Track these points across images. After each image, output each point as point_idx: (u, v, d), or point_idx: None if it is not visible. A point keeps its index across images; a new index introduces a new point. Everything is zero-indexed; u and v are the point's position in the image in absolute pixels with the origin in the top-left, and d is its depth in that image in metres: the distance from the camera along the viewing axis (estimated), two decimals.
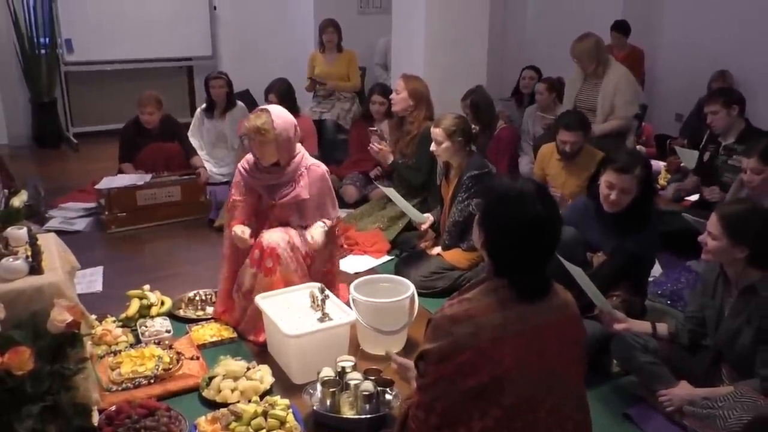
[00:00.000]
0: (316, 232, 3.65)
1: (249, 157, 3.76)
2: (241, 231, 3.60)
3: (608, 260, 3.52)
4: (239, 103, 6.79)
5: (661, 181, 6.26)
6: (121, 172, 5.84)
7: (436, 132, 4.25)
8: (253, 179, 3.73)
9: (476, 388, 1.97)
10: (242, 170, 3.74)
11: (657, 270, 4.32)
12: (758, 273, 2.80)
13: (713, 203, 4.57)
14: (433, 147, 4.32)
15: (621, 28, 7.38)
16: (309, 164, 3.76)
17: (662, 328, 3.19)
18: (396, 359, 2.57)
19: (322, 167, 3.82)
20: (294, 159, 3.72)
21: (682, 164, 5.74)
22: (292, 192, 3.71)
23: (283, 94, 5.90)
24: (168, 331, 3.62)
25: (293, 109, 5.90)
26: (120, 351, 3.35)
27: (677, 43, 7.78)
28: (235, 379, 3.12)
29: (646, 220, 3.52)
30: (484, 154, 5.26)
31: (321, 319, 3.30)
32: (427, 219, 4.51)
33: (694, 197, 5.25)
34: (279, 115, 3.62)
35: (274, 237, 3.62)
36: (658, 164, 6.53)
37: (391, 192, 4.52)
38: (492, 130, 5.45)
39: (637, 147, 6.04)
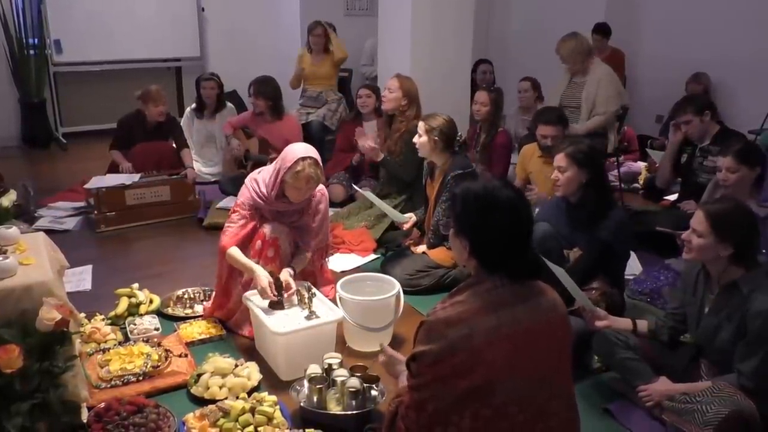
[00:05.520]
0: (297, 266, 3.71)
1: (259, 178, 3.71)
2: (236, 253, 3.59)
3: (584, 253, 3.59)
4: (228, 104, 6.84)
5: (642, 181, 6.33)
6: (112, 162, 5.89)
7: (420, 125, 4.35)
8: (266, 205, 3.69)
9: (468, 389, 1.98)
10: (255, 195, 3.68)
11: (637, 268, 4.37)
12: (740, 270, 2.82)
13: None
14: (415, 138, 4.40)
15: (602, 30, 7.43)
16: (316, 190, 3.78)
17: (642, 325, 3.22)
18: (387, 350, 2.58)
19: (324, 190, 3.88)
20: None
21: (657, 165, 5.82)
22: (300, 221, 3.78)
23: (270, 94, 5.95)
24: (156, 329, 3.64)
25: (279, 109, 5.98)
26: (109, 349, 3.36)
27: (657, 45, 7.87)
28: (223, 376, 3.14)
29: (608, 203, 3.66)
30: (485, 154, 5.40)
31: (308, 317, 3.33)
32: (408, 219, 4.57)
33: (673, 197, 5.31)
34: (318, 156, 3.63)
35: (277, 229, 3.66)
36: (639, 165, 6.61)
37: (369, 195, 4.57)
38: (494, 133, 5.53)
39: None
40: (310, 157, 3.56)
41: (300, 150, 3.60)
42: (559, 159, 3.67)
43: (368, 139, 5.34)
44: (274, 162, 3.70)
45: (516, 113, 6.92)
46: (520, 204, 2.09)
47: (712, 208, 2.88)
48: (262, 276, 3.44)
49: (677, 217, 4.67)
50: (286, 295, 3.45)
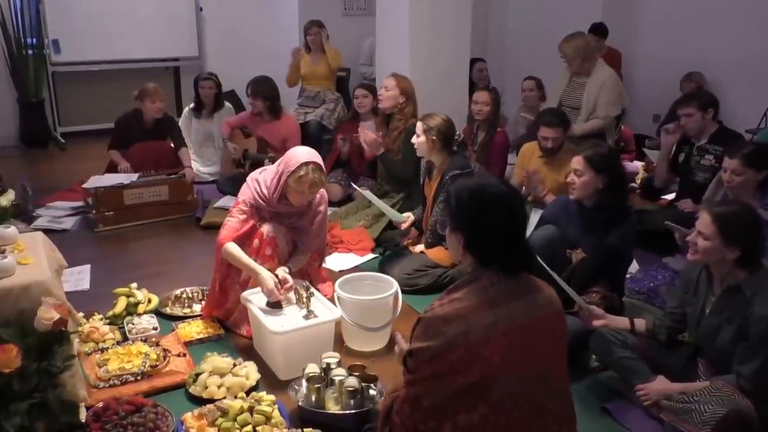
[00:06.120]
0: (294, 266, 3.71)
1: (261, 179, 3.72)
2: (236, 250, 3.59)
3: (589, 257, 3.57)
4: (227, 104, 6.85)
5: (639, 181, 6.34)
6: (110, 162, 5.90)
7: (418, 125, 4.38)
8: (268, 206, 3.70)
9: (465, 386, 2.00)
10: (256, 195, 3.69)
11: (634, 267, 4.37)
12: (743, 273, 2.81)
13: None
14: (413, 138, 4.41)
15: (599, 30, 7.43)
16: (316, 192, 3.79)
17: (640, 324, 3.22)
18: (401, 343, 2.57)
19: (324, 192, 3.88)
20: None
21: (654, 164, 5.83)
22: (299, 222, 3.79)
23: (267, 94, 5.96)
24: (155, 329, 3.64)
25: (277, 109, 5.99)
26: (107, 348, 3.37)
27: (654, 45, 7.89)
28: (222, 375, 3.15)
29: (625, 215, 3.61)
30: (484, 154, 5.43)
31: (306, 317, 3.34)
32: (406, 218, 4.58)
33: (670, 196, 5.32)
34: (321, 161, 3.65)
35: (274, 228, 3.67)
36: (636, 164, 6.61)
37: (368, 194, 4.59)
38: (493, 133, 5.55)
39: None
40: (314, 162, 3.58)
41: (303, 154, 3.61)
42: (577, 162, 3.61)
43: (369, 132, 5.37)
44: (277, 164, 3.70)
45: (516, 112, 6.93)
46: (513, 199, 2.13)
47: (719, 210, 2.85)
48: (268, 278, 3.44)
49: (675, 216, 4.68)
50: (283, 289, 3.46)
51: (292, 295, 3.49)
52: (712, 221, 2.80)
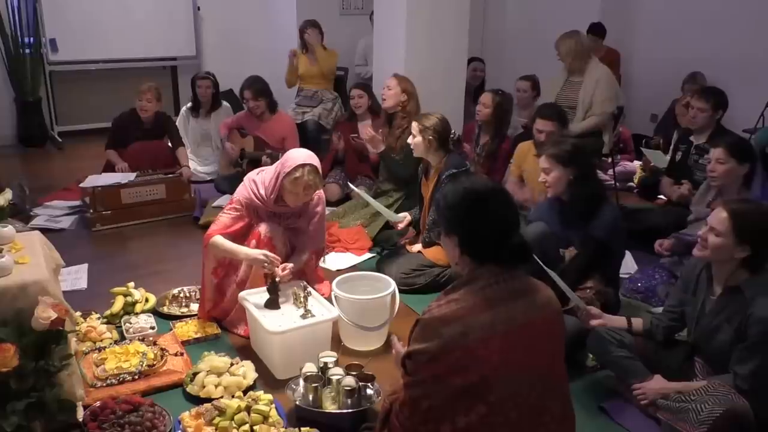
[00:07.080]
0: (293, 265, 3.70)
1: (258, 179, 3.73)
2: (222, 240, 3.60)
3: (579, 252, 3.61)
4: (224, 103, 6.84)
5: (636, 180, 6.34)
6: (107, 162, 5.89)
7: (413, 125, 4.38)
8: (265, 206, 3.71)
9: (464, 387, 1.99)
10: (253, 196, 3.70)
11: (632, 267, 4.39)
12: (745, 274, 2.80)
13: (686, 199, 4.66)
14: (409, 139, 4.42)
15: (597, 30, 7.43)
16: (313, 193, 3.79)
17: (637, 323, 3.22)
18: (396, 346, 2.58)
19: (321, 193, 3.88)
20: None
21: (651, 164, 5.82)
22: (296, 223, 3.81)
23: (268, 92, 5.97)
24: (152, 328, 3.64)
25: (274, 105, 5.99)
26: (104, 347, 3.37)
27: (652, 45, 7.89)
28: (219, 374, 3.15)
29: (599, 199, 3.67)
30: (489, 162, 5.46)
31: (304, 316, 3.34)
32: (403, 219, 4.58)
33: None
34: (318, 164, 3.67)
35: (272, 228, 3.67)
36: (634, 164, 6.62)
37: (363, 193, 4.59)
38: (501, 138, 5.55)
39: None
40: (310, 165, 3.58)
41: (300, 156, 3.62)
42: (543, 161, 3.72)
43: (369, 128, 5.39)
44: (275, 165, 3.71)
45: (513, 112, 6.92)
46: (501, 193, 2.17)
47: (736, 207, 2.82)
48: (255, 252, 3.49)
49: (673, 215, 4.69)
50: (283, 271, 3.47)
51: (289, 294, 3.49)
52: (728, 217, 2.77)
